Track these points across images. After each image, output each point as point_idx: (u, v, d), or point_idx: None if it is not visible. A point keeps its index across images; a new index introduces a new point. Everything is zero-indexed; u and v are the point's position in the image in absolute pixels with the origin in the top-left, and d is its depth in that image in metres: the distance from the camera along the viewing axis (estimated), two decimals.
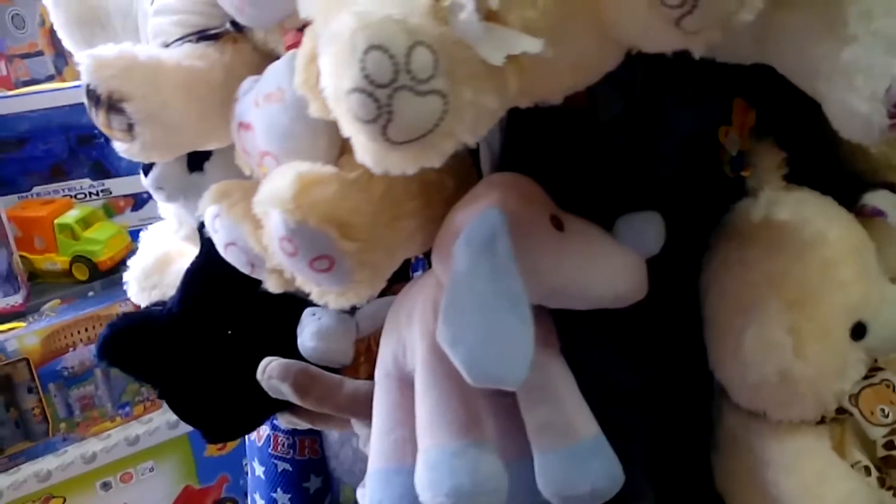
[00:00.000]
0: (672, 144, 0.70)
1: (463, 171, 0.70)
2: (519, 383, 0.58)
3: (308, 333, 0.82)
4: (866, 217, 0.82)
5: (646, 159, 0.66)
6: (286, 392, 0.79)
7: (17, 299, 1.60)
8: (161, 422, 1.70)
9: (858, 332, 0.68)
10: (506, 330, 0.58)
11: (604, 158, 0.68)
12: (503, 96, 0.53)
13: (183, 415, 0.85)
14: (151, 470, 1.72)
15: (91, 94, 0.68)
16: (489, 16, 0.51)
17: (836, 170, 0.86)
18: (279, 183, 0.59)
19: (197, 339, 0.85)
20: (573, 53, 0.55)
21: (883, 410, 0.70)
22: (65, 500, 1.64)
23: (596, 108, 0.66)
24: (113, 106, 0.68)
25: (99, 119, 0.69)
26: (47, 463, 1.62)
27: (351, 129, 0.50)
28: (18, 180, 1.73)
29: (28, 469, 1.60)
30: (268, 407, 0.87)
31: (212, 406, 0.86)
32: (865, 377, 0.71)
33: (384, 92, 0.48)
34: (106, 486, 1.68)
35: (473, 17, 0.48)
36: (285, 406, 0.86)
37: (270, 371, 0.79)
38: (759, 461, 0.71)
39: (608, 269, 0.64)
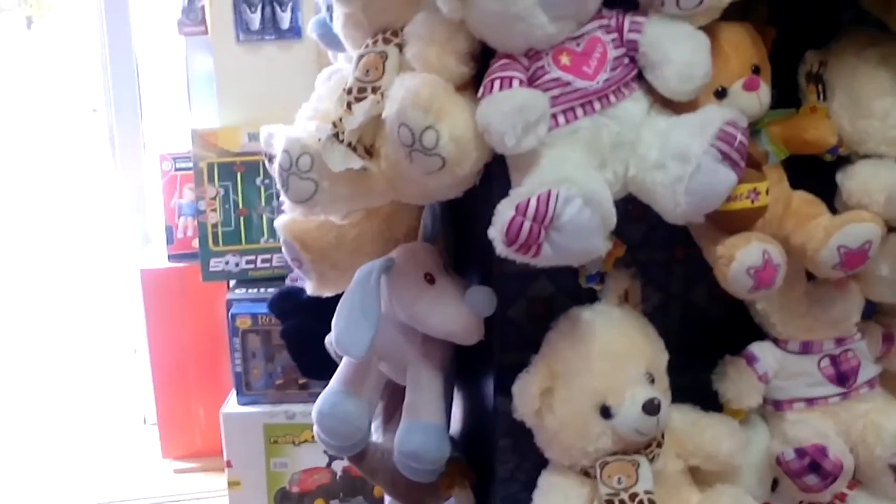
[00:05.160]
0: None
1: (413, 237, 1.12)
2: (359, 357, 1.00)
3: None
4: (743, 357, 1.04)
5: None
6: (335, 356, 1.27)
7: None
8: None
9: (605, 412, 0.94)
10: (357, 326, 1.00)
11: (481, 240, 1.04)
12: (367, 190, 0.95)
13: (291, 353, 1.38)
14: None
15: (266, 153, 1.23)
16: (369, 149, 0.95)
17: None
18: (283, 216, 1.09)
19: (316, 311, 1.37)
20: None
21: (619, 479, 0.94)
22: None
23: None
24: (271, 159, 1.23)
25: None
26: None
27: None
28: None
29: None
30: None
31: (310, 353, 1.37)
32: (625, 453, 0.95)
33: (286, 174, 0.94)
34: None
35: (328, 145, 0.92)
36: None
37: (331, 339, 1.28)
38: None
39: (444, 315, 1.01)
